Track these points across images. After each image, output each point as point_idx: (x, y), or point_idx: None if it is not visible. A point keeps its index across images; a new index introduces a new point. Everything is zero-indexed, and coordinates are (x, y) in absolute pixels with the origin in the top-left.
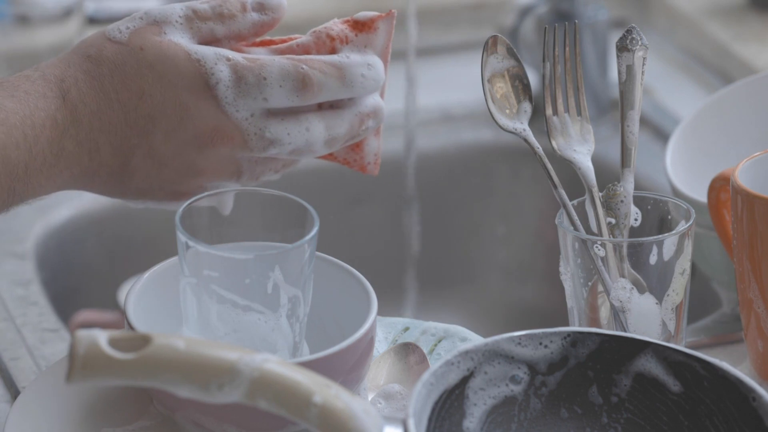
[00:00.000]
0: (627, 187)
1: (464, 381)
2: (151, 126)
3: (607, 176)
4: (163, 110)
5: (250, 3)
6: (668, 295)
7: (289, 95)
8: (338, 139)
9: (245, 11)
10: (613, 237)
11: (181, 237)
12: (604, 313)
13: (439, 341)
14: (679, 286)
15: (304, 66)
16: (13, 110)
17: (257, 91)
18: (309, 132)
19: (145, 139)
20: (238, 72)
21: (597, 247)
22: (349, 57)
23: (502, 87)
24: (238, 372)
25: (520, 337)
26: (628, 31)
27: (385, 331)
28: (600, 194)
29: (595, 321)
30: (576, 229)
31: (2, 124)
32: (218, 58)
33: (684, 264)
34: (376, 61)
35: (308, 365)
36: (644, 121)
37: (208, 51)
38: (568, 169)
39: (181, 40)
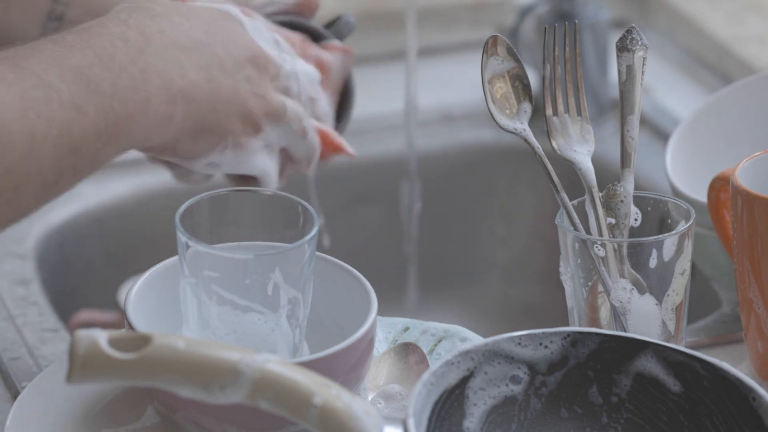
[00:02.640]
0: (627, 187)
1: (464, 381)
2: (223, 52)
3: (607, 176)
4: (214, 26)
5: None
6: (668, 295)
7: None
8: None
9: None
10: (613, 237)
11: (181, 237)
12: (604, 313)
13: (439, 341)
14: (679, 286)
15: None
16: (79, 52)
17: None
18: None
19: (216, 54)
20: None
21: (597, 247)
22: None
23: (502, 87)
24: (240, 373)
25: (520, 337)
26: (628, 31)
27: (385, 331)
28: (600, 194)
29: (595, 321)
30: (576, 229)
31: (71, 70)
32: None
33: (684, 264)
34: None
35: (308, 365)
36: (644, 121)
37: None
38: (568, 169)
39: None
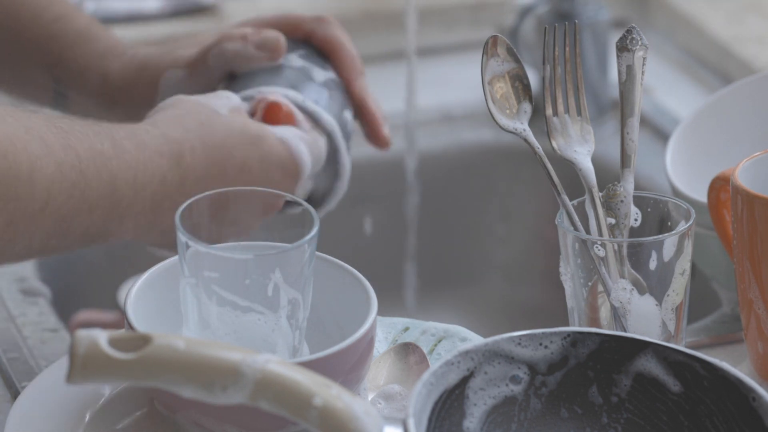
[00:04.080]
0: (627, 187)
1: (464, 381)
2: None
3: (607, 176)
4: (257, 182)
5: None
6: (668, 296)
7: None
8: None
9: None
10: (613, 237)
11: (181, 237)
12: (604, 313)
13: (439, 341)
14: (679, 287)
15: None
16: (129, 151)
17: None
18: None
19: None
20: (312, 152)
21: (597, 247)
22: None
23: (502, 87)
24: (241, 374)
25: (520, 337)
26: (628, 31)
27: (385, 331)
28: (600, 194)
29: (595, 321)
30: (576, 229)
31: (119, 159)
32: (295, 136)
33: (684, 264)
34: None
35: (308, 365)
36: (644, 121)
37: (285, 131)
38: (568, 169)
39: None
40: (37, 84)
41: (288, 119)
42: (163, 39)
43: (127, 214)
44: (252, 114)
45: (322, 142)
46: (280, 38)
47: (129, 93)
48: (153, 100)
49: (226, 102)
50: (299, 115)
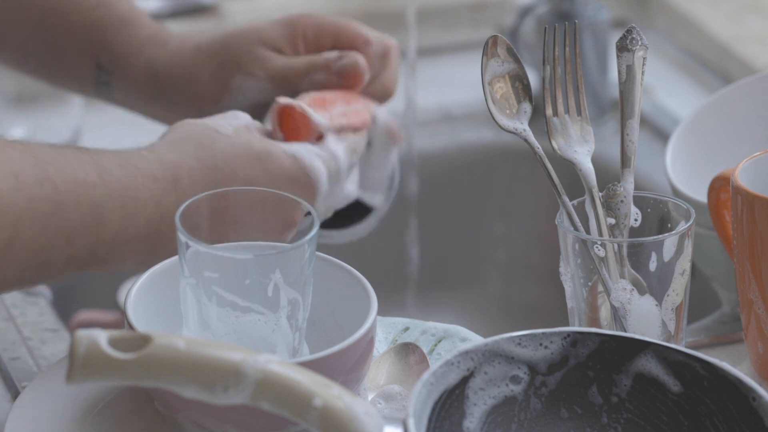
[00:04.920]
0: (627, 187)
1: (464, 381)
2: (249, 216)
3: (607, 176)
4: (263, 201)
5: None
6: (668, 296)
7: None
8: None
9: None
10: (613, 237)
11: (181, 237)
12: (604, 313)
13: (439, 341)
14: (679, 287)
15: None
16: (118, 178)
17: (335, 183)
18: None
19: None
20: (329, 167)
21: (597, 247)
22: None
23: (502, 87)
24: (243, 374)
25: (520, 337)
26: (628, 31)
27: (385, 331)
28: (600, 194)
29: (595, 321)
30: (576, 229)
31: (105, 187)
32: (308, 151)
33: (684, 264)
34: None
35: (308, 365)
36: (644, 121)
37: (297, 147)
38: (568, 169)
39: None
40: (80, 72)
41: (304, 121)
42: None
43: (117, 241)
44: (271, 130)
45: (341, 153)
46: (359, 64)
47: (175, 83)
48: (201, 92)
49: (232, 121)
50: (320, 120)
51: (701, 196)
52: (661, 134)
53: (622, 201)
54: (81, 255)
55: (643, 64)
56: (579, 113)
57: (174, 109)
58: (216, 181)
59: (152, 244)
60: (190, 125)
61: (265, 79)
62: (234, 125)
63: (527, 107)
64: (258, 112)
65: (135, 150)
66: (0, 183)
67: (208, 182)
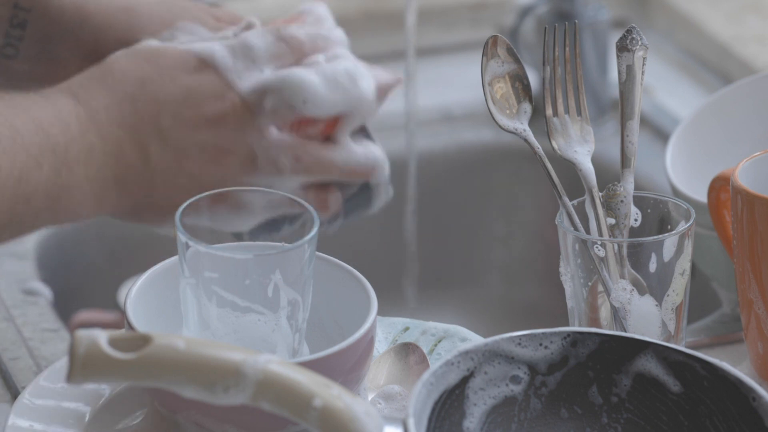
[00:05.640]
0: (627, 187)
1: (464, 381)
2: (158, 109)
3: (607, 176)
4: (165, 92)
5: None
6: (668, 296)
7: (276, 58)
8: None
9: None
10: (613, 237)
11: (181, 237)
12: (604, 313)
13: (439, 341)
14: (679, 287)
15: (281, 30)
16: (41, 109)
17: (250, 61)
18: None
19: (155, 124)
20: (232, 46)
21: (597, 247)
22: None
23: (502, 87)
24: (244, 375)
25: (520, 337)
26: (628, 31)
27: (385, 331)
28: (600, 194)
29: (595, 321)
30: (576, 229)
31: (34, 122)
32: (209, 42)
33: (684, 264)
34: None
35: (308, 365)
36: (644, 121)
37: (200, 43)
38: (568, 169)
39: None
40: None
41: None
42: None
43: (71, 160)
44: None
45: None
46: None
47: (110, 22)
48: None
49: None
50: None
51: (701, 196)
52: (661, 134)
53: (622, 201)
54: (51, 182)
55: (643, 64)
56: (579, 113)
57: (89, 59)
58: (109, 86)
59: (95, 167)
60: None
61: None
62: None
63: (527, 107)
64: None
65: (26, 94)
66: None
67: (102, 88)
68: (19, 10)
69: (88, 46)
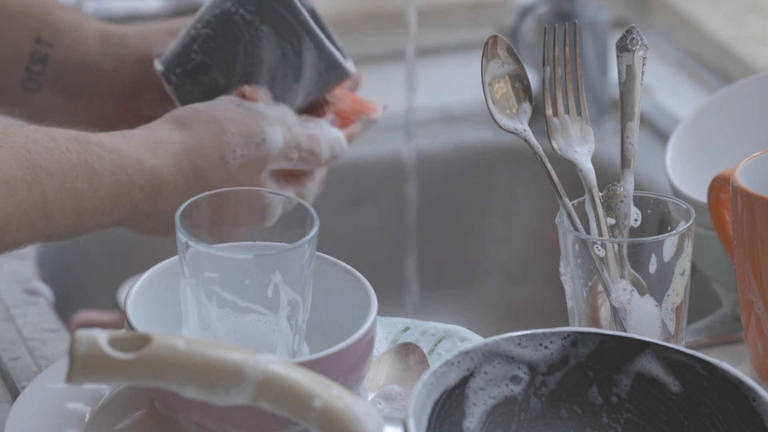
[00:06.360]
0: (627, 187)
1: (464, 381)
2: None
3: (607, 176)
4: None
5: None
6: (668, 296)
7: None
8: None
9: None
10: (613, 237)
11: (181, 237)
12: (604, 313)
13: (439, 341)
14: (679, 287)
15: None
16: (108, 187)
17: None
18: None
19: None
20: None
21: (597, 247)
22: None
23: (502, 87)
24: (244, 375)
25: (520, 337)
26: (628, 31)
27: (385, 331)
28: (600, 194)
29: (595, 321)
30: (576, 229)
31: (93, 194)
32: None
33: (684, 264)
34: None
35: (308, 365)
36: (644, 121)
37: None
38: (568, 169)
39: None
40: (13, 52)
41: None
42: None
43: (87, 232)
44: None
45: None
46: None
47: (132, 50)
48: (118, 84)
49: (247, 150)
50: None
51: (701, 196)
52: (661, 134)
53: (622, 201)
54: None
55: (643, 64)
56: (579, 113)
57: (109, 101)
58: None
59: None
60: (205, 135)
61: None
62: (246, 157)
63: (527, 107)
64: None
65: (133, 153)
66: None
67: (183, 200)
68: (41, 45)
69: (109, 75)
